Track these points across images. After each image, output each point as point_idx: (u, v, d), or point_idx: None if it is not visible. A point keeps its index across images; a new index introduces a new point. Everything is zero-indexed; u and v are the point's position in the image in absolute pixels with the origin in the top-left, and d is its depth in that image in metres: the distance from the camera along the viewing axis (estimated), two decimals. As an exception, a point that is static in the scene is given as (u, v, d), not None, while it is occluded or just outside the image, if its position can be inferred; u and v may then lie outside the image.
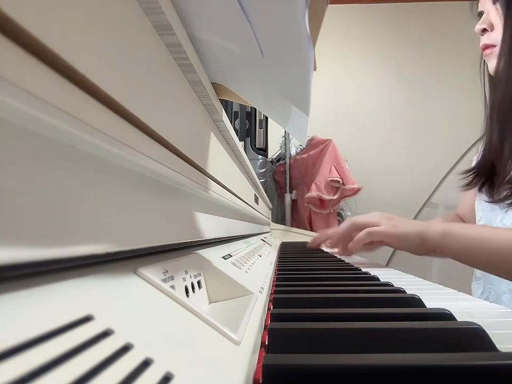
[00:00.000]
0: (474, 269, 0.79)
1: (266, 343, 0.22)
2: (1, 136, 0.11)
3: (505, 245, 0.52)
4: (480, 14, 0.71)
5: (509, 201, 0.63)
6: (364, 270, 0.55)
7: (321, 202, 1.89)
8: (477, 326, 0.22)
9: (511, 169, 0.64)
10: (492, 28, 0.67)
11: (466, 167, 0.77)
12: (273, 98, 0.38)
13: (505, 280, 0.70)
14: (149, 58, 0.21)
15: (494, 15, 0.66)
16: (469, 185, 0.75)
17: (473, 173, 0.74)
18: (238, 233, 0.60)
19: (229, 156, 0.51)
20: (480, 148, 0.76)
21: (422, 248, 0.61)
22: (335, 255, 0.79)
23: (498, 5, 0.64)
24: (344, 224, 0.74)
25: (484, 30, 0.69)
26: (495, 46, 0.66)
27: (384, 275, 0.52)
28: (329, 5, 0.52)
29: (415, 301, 0.32)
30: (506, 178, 0.64)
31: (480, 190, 0.73)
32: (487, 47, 0.68)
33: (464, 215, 0.87)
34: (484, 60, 0.73)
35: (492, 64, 0.68)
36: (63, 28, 0.13)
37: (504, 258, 0.52)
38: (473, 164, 0.76)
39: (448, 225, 0.60)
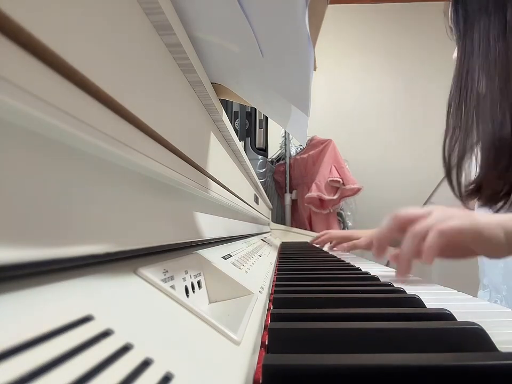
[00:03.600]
0: (481, 278, 0.77)
1: (266, 343, 0.22)
2: (1, 136, 0.11)
3: None
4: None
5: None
6: (363, 270, 0.55)
7: (321, 202, 1.89)
8: (477, 326, 0.22)
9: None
10: None
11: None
12: (273, 98, 0.38)
13: (501, 285, 0.69)
14: (149, 58, 0.21)
15: None
16: (469, 198, 0.72)
17: (474, 186, 0.70)
18: (238, 233, 0.60)
19: (229, 156, 0.51)
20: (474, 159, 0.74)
21: (506, 246, 0.45)
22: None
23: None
24: (385, 224, 0.51)
25: None
26: None
27: (384, 275, 0.52)
28: (329, 5, 0.52)
29: (415, 301, 0.32)
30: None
31: (480, 202, 0.71)
32: None
33: None
34: None
35: None
36: (63, 28, 0.13)
37: None
38: (472, 175, 0.73)
39: None
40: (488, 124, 0.61)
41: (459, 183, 0.66)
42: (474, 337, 0.22)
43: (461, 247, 0.48)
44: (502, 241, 0.44)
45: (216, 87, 0.37)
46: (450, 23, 0.75)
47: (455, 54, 0.74)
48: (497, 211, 0.61)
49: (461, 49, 0.66)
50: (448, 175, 0.68)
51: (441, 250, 0.44)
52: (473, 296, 0.40)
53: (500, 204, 0.60)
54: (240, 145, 0.56)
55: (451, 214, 0.46)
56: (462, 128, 0.66)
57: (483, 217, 0.47)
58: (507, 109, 0.59)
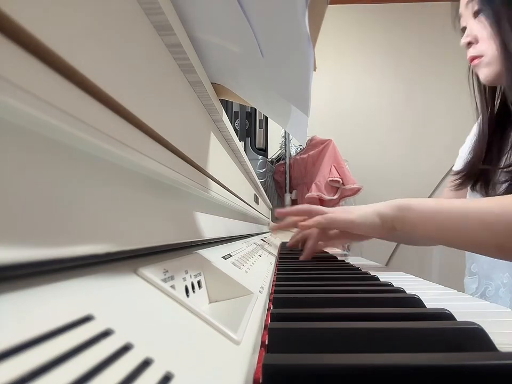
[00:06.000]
0: (468, 264, 0.80)
1: (266, 343, 0.22)
2: (1, 136, 0.11)
3: (468, 213, 0.49)
4: (464, 29, 0.76)
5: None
6: (363, 270, 0.55)
7: (321, 202, 1.89)
8: (476, 326, 0.22)
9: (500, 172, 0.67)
10: (476, 40, 0.72)
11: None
12: (273, 98, 0.38)
13: (501, 273, 0.71)
14: (149, 58, 0.21)
15: (476, 28, 0.71)
16: (461, 186, 0.77)
17: (463, 175, 0.76)
18: (238, 233, 0.60)
19: (229, 155, 0.51)
20: (464, 150, 0.79)
21: (383, 228, 0.58)
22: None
23: (482, 17, 0.69)
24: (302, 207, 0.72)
25: (469, 43, 0.73)
26: (482, 56, 0.70)
27: (384, 275, 0.52)
28: (329, 5, 0.52)
29: (415, 301, 0.32)
30: (502, 178, 0.66)
31: (473, 189, 0.75)
32: (474, 58, 0.72)
33: None
34: (472, 71, 0.78)
35: (482, 73, 0.72)
36: (63, 28, 0.13)
37: (466, 227, 0.49)
38: (457, 165, 0.78)
39: (404, 200, 0.57)
40: None
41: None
42: (474, 337, 0.22)
43: (345, 232, 0.66)
44: (377, 224, 0.58)
45: (216, 87, 0.37)
46: (461, 10, 0.74)
47: (463, 40, 0.74)
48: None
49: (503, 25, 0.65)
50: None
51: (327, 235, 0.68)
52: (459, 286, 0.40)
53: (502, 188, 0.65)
54: (240, 145, 0.56)
55: (333, 210, 0.65)
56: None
57: (360, 209, 0.61)
58: None
